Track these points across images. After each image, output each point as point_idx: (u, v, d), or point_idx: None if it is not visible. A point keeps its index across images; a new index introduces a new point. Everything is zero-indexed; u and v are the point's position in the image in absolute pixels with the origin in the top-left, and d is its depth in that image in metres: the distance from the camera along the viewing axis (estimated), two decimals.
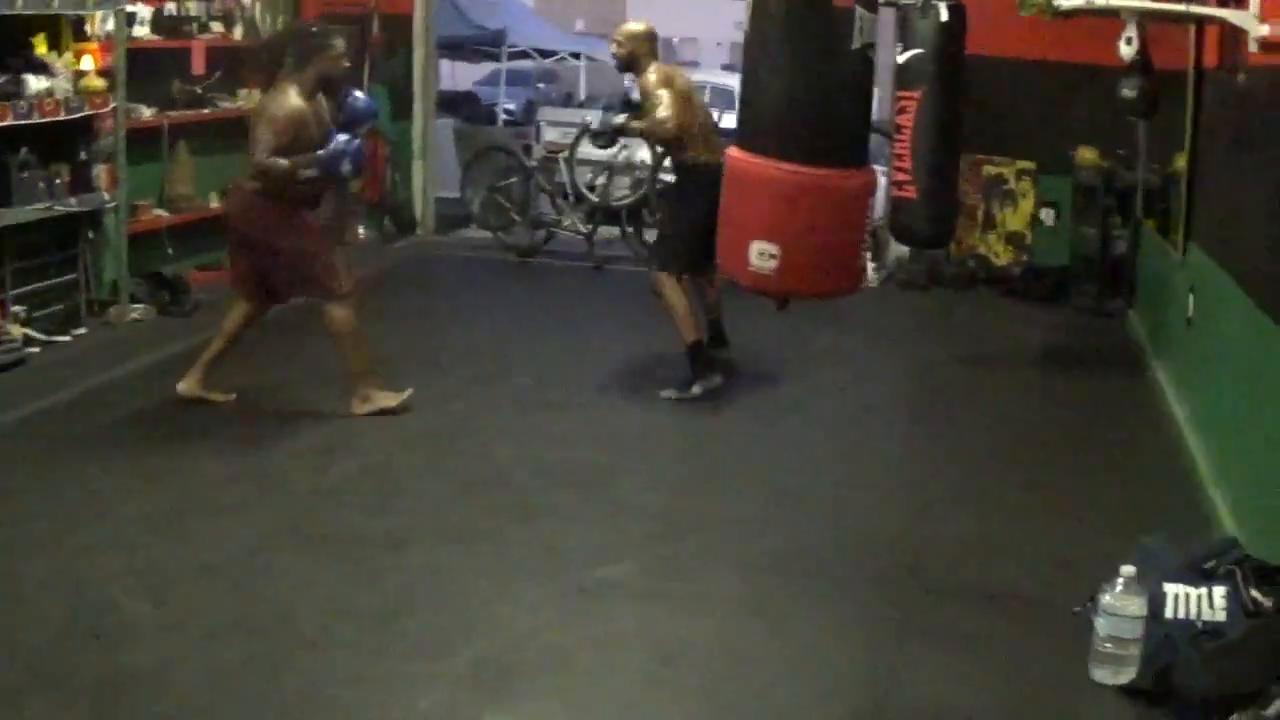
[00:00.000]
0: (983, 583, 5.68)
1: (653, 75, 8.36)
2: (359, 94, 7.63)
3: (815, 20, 6.97)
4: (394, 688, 4.55)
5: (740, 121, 7.48)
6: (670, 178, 9.02)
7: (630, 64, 8.51)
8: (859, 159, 7.38)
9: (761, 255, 7.16)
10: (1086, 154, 11.44)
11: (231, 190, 7.57)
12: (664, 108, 8.20)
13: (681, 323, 8.25)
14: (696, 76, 18.71)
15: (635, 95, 8.62)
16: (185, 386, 7.66)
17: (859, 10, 6.99)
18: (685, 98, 8.39)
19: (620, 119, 8.79)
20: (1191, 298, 7.79)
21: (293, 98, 7.17)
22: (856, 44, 7.05)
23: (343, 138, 7.27)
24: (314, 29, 7.58)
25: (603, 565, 5.67)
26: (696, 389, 8.16)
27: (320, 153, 7.18)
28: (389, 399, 7.56)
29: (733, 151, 7.44)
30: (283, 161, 7.11)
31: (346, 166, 7.32)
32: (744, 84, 7.45)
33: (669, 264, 8.28)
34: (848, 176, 7.23)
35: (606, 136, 9.08)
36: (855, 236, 7.50)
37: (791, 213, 7.12)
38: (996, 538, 6.21)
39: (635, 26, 8.65)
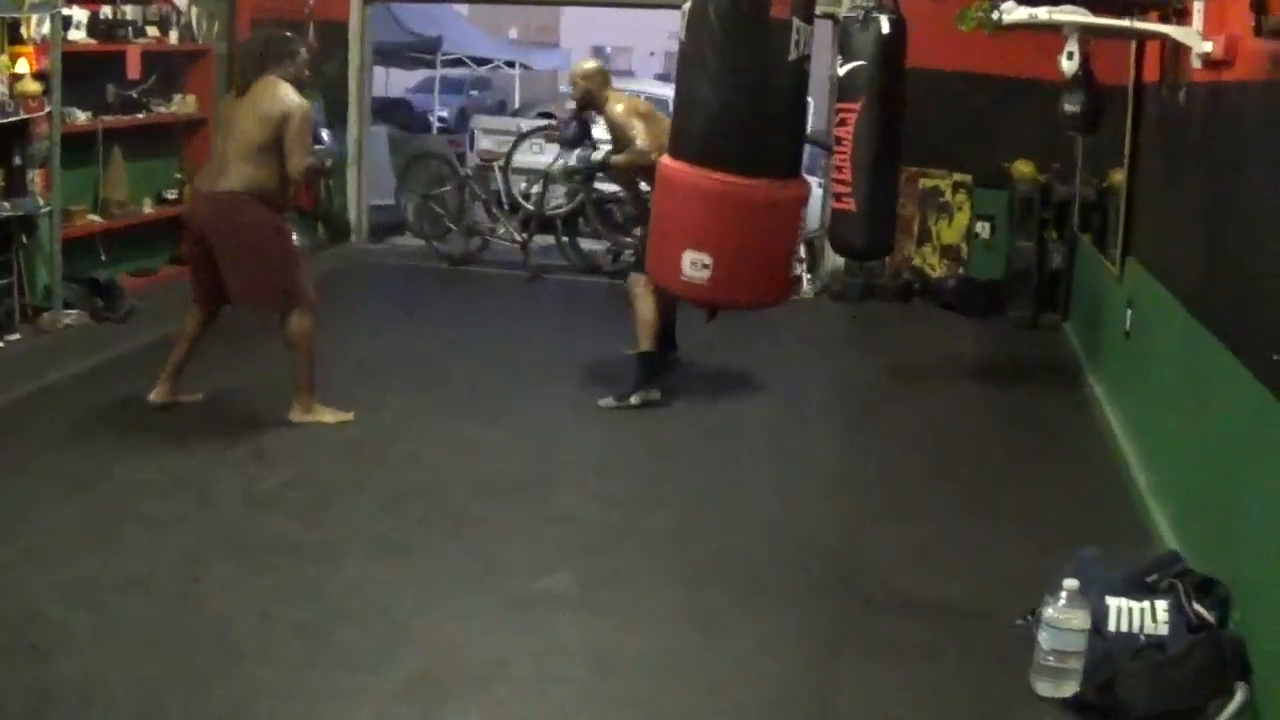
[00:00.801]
0: (920, 594, 5.67)
1: (619, 106, 8.51)
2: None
3: (751, 32, 6.98)
4: (328, 701, 4.50)
5: (674, 131, 7.50)
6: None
7: (589, 101, 8.71)
8: (792, 170, 7.40)
9: (694, 265, 7.17)
10: (1023, 167, 11.49)
11: (204, 196, 7.37)
12: (641, 137, 8.33)
13: (643, 329, 8.24)
14: (630, 86, 18.76)
15: (597, 130, 8.78)
16: (157, 395, 7.66)
17: (796, 22, 7.00)
18: (648, 117, 8.50)
19: (599, 155, 8.84)
20: (1129, 312, 7.81)
21: (297, 94, 7.22)
22: (793, 56, 7.05)
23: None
24: (286, 34, 7.64)
25: (539, 576, 5.63)
26: (635, 399, 8.12)
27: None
28: (329, 415, 7.52)
29: (666, 160, 7.44)
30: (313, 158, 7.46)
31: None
32: (678, 94, 7.46)
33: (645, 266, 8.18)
34: (781, 187, 7.26)
35: (584, 173, 9.10)
36: (787, 248, 7.53)
37: (724, 223, 7.13)
38: (933, 549, 6.21)
39: (588, 65, 8.92)
